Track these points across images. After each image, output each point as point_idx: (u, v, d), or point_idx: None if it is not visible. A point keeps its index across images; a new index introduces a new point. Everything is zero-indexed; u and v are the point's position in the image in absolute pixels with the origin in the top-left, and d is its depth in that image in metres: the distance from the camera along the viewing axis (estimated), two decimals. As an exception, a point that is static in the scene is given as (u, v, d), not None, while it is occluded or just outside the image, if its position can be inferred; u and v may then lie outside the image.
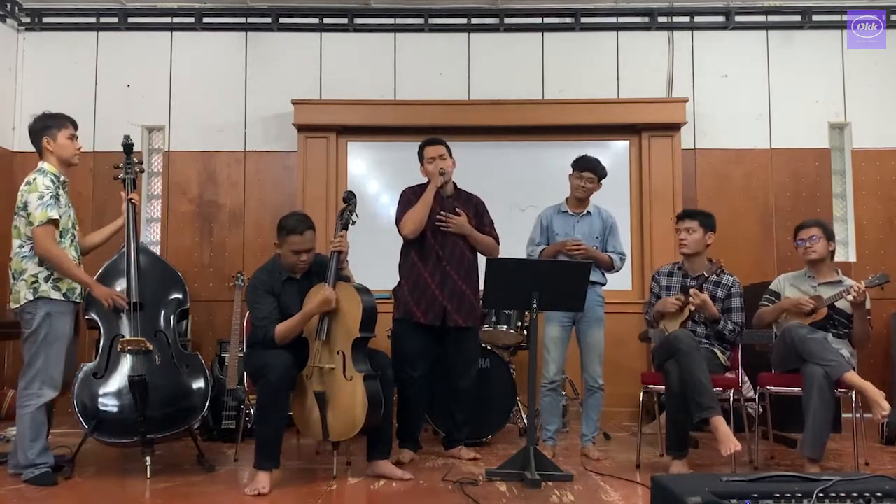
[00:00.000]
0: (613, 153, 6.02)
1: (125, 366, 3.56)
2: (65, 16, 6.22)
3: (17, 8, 6.09)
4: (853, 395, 3.60)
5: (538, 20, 6.20)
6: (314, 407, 3.48)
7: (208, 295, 5.94)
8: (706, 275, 3.95)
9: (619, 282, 5.40)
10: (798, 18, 6.13)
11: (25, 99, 6.12)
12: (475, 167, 5.13)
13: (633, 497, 3.27)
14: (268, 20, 6.18)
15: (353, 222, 3.77)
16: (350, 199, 3.77)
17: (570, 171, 4.31)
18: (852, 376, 3.54)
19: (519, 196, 5.77)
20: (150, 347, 3.59)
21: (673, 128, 5.95)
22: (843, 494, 1.99)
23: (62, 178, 3.62)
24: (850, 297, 3.72)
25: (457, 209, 4.05)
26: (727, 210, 5.68)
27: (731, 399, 3.80)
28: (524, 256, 4.31)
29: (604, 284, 4.30)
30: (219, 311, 5.87)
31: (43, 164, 3.59)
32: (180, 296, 3.84)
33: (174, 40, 6.23)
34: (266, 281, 3.59)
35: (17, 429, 3.51)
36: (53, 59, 6.21)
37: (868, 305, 3.86)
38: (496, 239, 4.17)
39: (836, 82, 6.13)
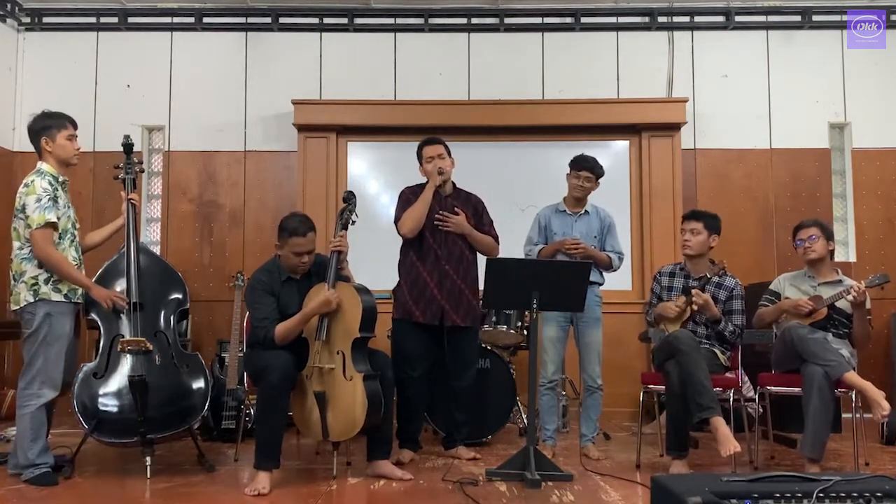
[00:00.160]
0: (613, 153, 6.02)
1: (125, 366, 3.55)
2: (65, 16, 6.23)
3: (17, 8, 6.09)
4: (853, 395, 3.59)
5: (538, 20, 6.20)
6: (314, 407, 3.48)
7: (208, 295, 5.94)
8: (709, 276, 3.95)
9: (619, 282, 5.41)
10: (798, 18, 6.13)
11: (25, 99, 6.11)
12: (475, 167, 5.14)
13: (633, 497, 3.27)
14: (268, 20, 6.18)
15: (353, 222, 3.76)
16: (350, 199, 3.77)
17: (568, 171, 4.31)
18: (852, 376, 3.53)
19: (519, 196, 5.76)
20: (150, 347, 3.59)
21: (673, 128, 5.95)
22: (843, 494, 1.99)
23: (61, 178, 3.60)
24: (850, 297, 3.72)
25: (456, 208, 4.04)
26: (727, 210, 5.64)
27: (731, 399, 3.80)
28: (522, 256, 4.31)
29: (601, 284, 4.31)
30: (219, 311, 5.87)
31: (41, 165, 3.57)
32: (180, 296, 3.84)
33: (174, 40, 6.23)
34: (266, 281, 3.59)
35: (17, 429, 3.51)
36: (53, 59, 6.22)
37: (868, 305, 3.86)
38: (496, 238, 4.16)
39: (836, 82, 6.13)
